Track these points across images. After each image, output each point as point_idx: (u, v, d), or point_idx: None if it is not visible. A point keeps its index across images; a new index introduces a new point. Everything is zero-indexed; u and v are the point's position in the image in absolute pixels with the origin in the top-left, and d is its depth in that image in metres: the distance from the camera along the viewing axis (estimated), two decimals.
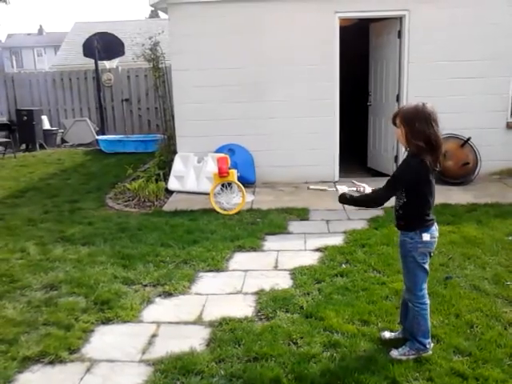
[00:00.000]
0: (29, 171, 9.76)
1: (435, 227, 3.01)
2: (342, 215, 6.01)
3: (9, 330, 3.59)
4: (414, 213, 2.96)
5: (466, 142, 7.35)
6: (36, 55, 47.99)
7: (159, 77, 8.44)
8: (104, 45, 13.44)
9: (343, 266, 4.53)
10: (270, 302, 3.89)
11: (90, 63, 14.60)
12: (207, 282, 4.43)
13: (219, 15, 7.50)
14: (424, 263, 3.01)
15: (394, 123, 2.94)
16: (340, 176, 7.83)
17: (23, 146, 12.95)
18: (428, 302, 3.10)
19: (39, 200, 7.42)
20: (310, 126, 7.70)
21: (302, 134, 7.73)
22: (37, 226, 6.08)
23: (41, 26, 50.64)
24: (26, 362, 3.24)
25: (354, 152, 9.14)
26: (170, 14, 7.64)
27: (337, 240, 5.18)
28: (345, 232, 5.38)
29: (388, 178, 3.02)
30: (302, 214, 6.09)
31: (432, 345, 3.16)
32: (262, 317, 3.74)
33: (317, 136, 7.74)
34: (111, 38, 13.84)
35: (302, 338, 3.37)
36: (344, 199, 3.11)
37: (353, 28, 8.76)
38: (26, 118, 12.77)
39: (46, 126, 13.62)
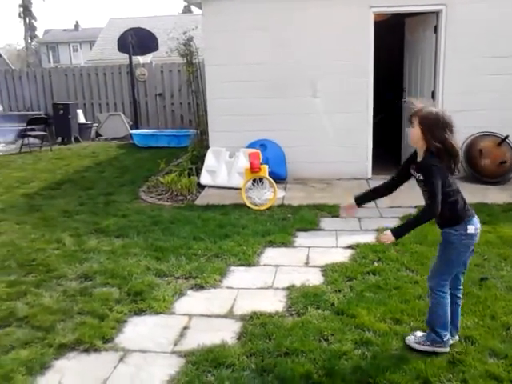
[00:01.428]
0: (64, 164, 9.97)
1: (477, 219, 2.99)
2: (375, 213, 5.95)
3: (46, 318, 3.69)
4: (453, 208, 2.92)
5: (503, 141, 7.17)
6: (72, 50, 48.87)
7: (192, 72, 8.50)
8: (138, 40, 13.62)
9: (375, 263, 4.49)
10: (300, 298, 3.89)
11: (124, 58, 14.83)
12: (238, 276, 4.45)
13: (252, 10, 7.50)
14: (463, 256, 3.00)
15: (411, 122, 2.92)
16: (373, 173, 7.73)
17: (59, 139, 13.23)
18: (448, 292, 3.06)
19: (74, 192, 7.57)
20: (343, 122, 7.64)
21: (335, 130, 7.69)
22: (72, 218, 6.21)
23: (77, 22, 51.45)
24: (62, 349, 3.32)
25: (388, 149, 9.03)
26: (203, 10, 7.68)
27: (369, 238, 5.13)
28: (377, 230, 5.32)
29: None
30: (334, 211, 6.06)
31: (452, 342, 3.12)
32: (293, 312, 3.74)
33: (349, 132, 7.68)
34: (145, 34, 14.01)
35: (332, 334, 3.36)
36: (400, 231, 3.01)
37: (384, 23, 8.63)
38: (62, 111, 13.06)
39: (81, 119, 13.88)
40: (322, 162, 7.72)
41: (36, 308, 3.85)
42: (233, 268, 4.60)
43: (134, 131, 12.71)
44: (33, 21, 52.81)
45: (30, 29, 52.70)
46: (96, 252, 5.00)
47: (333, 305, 3.76)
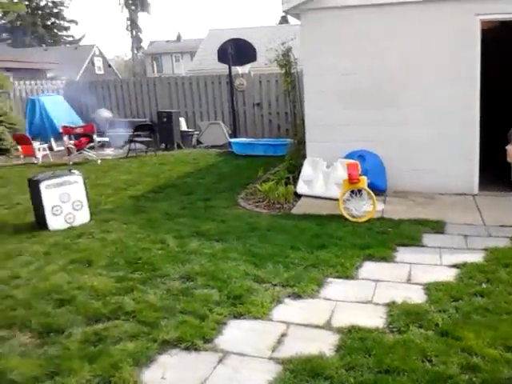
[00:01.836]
0: (167, 169, 10.44)
1: None
2: (482, 231, 5.64)
3: (150, 314, 3.87)
4: None
5: None
6: (174, 61, 51.15)
7: (290, 82, 8.57)
8: (237, 50, 13.93)
9: (483, 285, 4.24)
10: (402, 316, 3.77)
11: (223, 68, 15.25)
12: (336, 288, 4.40)
13: (349, 21, 7.43)
14: None
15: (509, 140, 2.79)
16: (479, 189, 7.31)
17: (163, 146, 13.87)
18: None
19: (176, 196, 7.89)
20: (447, 134, 7.32)
21: (438, 142, 7.38)
22: (174, 221, 6.47)
23: (179, 34, 53.83)
24: (165, 345, 3.47)
25: (496, 163, 8.51)
26: (301, 20, 7.74)
27: (476, 257, 4.87)
28: (485, 249, 5.03)
29: None
30: (437, 227, 5.82)
31: None
32: (394, 329, 3.63)
33: (454, 144, 7.34)
34: (244, 44, 14.31)
35: (436, 356, 3.22)
36: None
37: (489, 32, 8.16)
38: (165, 119, 13.69)
39: (184, 127, 14.46)
40: (423, 175, 7.45)
41: (142, 304, 4.05)
42: (330, 279, 4.56)
43: (232, 139, 13.03)
44: (139, 33, 55.97)
45: (136, 41, 55.91)
46: (197, 254, 5.17)
47: (437, 325, 3.61)
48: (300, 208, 6.95)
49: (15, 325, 3.78)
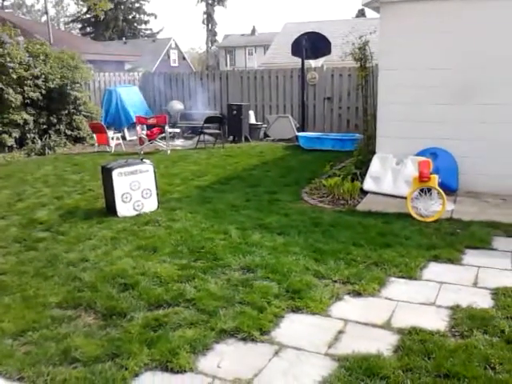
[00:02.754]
0: (234, 161, 10.55)
1: None
2: None
3: (210, 303, 3.93)
4: None
5: None
6: (247, 54, 51.56)
7: (365, 76, 8.39)
8: (311, 44, 13.86)
9: None
10: (465, 320, 3.62)
11: (295, 62, 15.21)
12: (398, 287, 4.29)
13: (434, 13, 7.15)
14: None
15: None
16: None
17: (230, 138, 14.03)
18: None
19: (242, 188, 7.97)
20: None
21: None
22: (239, 212, 6.53)
23: (254, 27, 54.13)
24: (222, 334, 3.51)
25: None
26: (381, 13, 7.54)
27: None
28: None
29: None
30: (510, 231, 5.52)
31: None
32: (456, 333, 3.49)
33: None
34: (319, 38, 14.20)
35: (501, 364, 3.07)
36: None
37: None
38: (235, 112, 13.83)
39: (252, 120, 14.56)
40: (498, 176, 7.09)
41: (202, 292, 4.13)
42: (393, 279, 4.44)
43: (300, 133, 12.97)
44: (214, 27, 56.80)
45: (212, 34, 56.76)
46: (259, 246, 5.19)
47: (503, 332, 3.43)
48: (365, 205, 6.82)
49: (81, 306, 3.96)
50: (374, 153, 7.86)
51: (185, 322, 3.65)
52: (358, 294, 4.15)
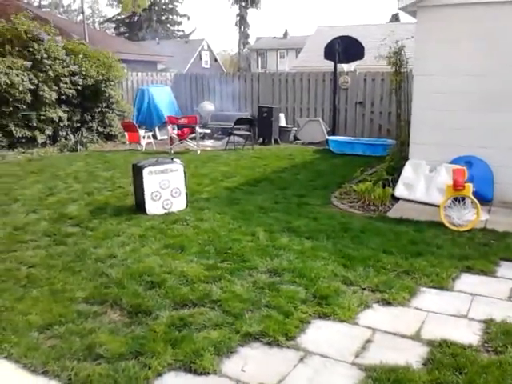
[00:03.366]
0: (263, 163, 10.50)
1: None
2: None
3: (235, 305, 3.88)
4: None
5: None
6: (279, 57, 51.53)
7: (399, 81, 8.24)
8: (345, 48, 13.75)
9: None
10: (500, 335, 3.48)
11: (327, 66, 15.11)
12: (429, 298, 4.16)
13: (472, 18, 6.96)
14: None
15: None
16: None
17: (260, 140, 14.01)
18: None
19: (271, 190, 7.91)
20: None
21: None
22: (267, 214, 6.48)
23: (286, 30, 54.07)
24: (248, 338, 3.46)
25: None
26: (418, 17, 7.38)
27: None
28: None
29: None
30: None
31: None
32: (489, 349, 3.36)
33: None
34: (352, 42, 14.07)
35: None
36: None
37: None
38: (265, 114, 13.81)
39: (282, 122, 14.50)
40: None
41: (228, 294, 4.08)
42: (423, 289, 4.32)
43: (330, 137, 12.86)
44: (247, 29, 56.94)
45: (244, 36, 56.89)
46: (286, 250, 5.13)
47: None
48: (397, 212, 6.68)
49: (107, 302, 3.96)
50: (406, 159, 7.71)
51: (210, 323, 3.61)
52: (387, 302, 4.05)
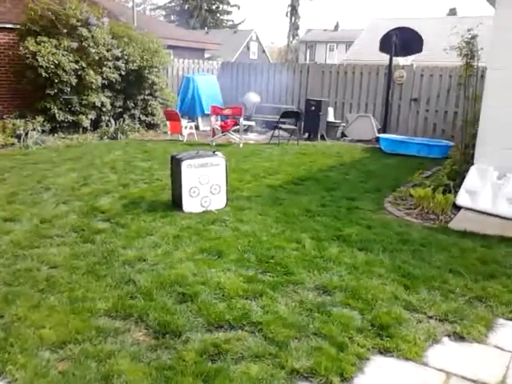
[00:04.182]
0: (309, 160, 9.86)
1: None
2: None
3: (279, 330, 3.29)
4: None
5: None
6: (328, 50, 50.32)
7: (468, 76, 7.41)
8: (402, 40, 12.92)
9: None
10: None
11: (382, 60, 14.28)
12: (510, 334, 3.47)
13: None
14: None
15: None
16: None
17: (305, 135, 13.33)
18: None
19: (317, 191, 7.28)
20: None
21: None
22: (313, 219, 5.86)
23: (337, 23, 52.75)
24: (294, 376, 2.87)
25: None
26: (497, 3, 6.56)
27: None
28: None
29: None
30: None
31: None
32: None
33: None
34: (411, 34, 13.22)
35: None
36: None
37: None
38: (313, 107, 13.12)
39: (331, 118, 13.78)
40: None
41: (270, 315, 3.50)
42: (502, 321, 3.63)
43: (382, 135, 12.07)
44: (297, 20, 55.88)
45: (294, 27, 55.79)
46: (336, 263, 4.51)
47: None
48: (459, 222, 5.94)
49: (132, 317, 3.43)
50: (470, 163, 6.92)
51: (249, 354, 3.03)
52: (459, 337, 3.38)
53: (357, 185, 7.79)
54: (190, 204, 5.96)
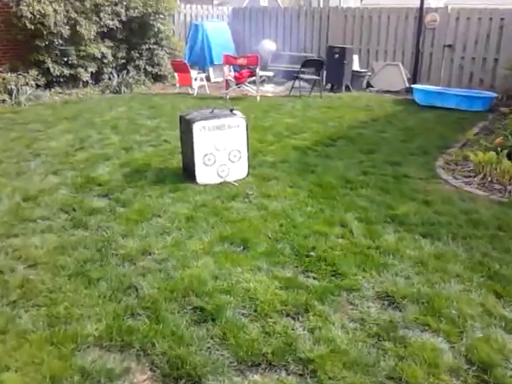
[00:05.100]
0: (336, 115, 8.70)
1: None
2: None
3: (340, 374, 2.31)
4: None
5: None
6: None
7: None
8: None
9: None
10: None
11: (406, 3, 12.82)
12: None
13: None
14: None
15: None
16: None
17: (328, 86, 12.09)
18: None
19: (352, 153, 6.19)
20: None
21: None
22: (356, 191, 4.80)
23: None
24: None
25: None
26: None
27: None
28: None
29: None
30: None
31: None
32: None
33: None
34: None
35: None
36: None
37: None
38: (337, 56, 11.80)
39: (356, 66, 12.47)
40: None
41: (324, 346, 2.51)
42: None
43: (416, 86, 10.80)
44: None
45: None
46: (398, 256, 3.49)
47: None
48: None
49: (132, 348, 2.48)
50: None
51: None
52: None
53: (398, 145, 6.67)
54: (204, 174, 4.93)
